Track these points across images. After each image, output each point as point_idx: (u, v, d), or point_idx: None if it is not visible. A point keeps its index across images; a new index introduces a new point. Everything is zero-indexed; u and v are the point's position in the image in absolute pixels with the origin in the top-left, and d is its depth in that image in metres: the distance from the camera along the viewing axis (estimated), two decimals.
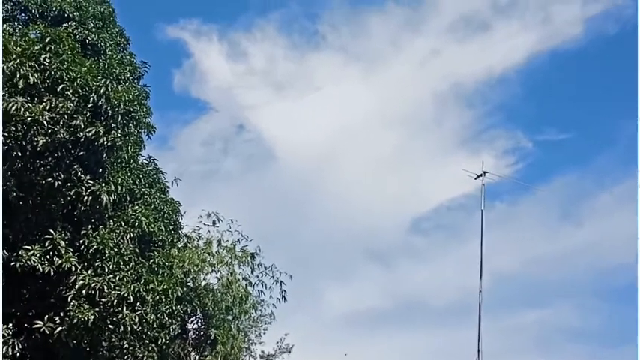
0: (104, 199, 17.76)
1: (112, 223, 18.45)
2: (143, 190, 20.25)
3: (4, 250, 17.27)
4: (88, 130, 17.46)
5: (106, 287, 17.43)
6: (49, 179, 17.55)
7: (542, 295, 42.60)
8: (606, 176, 49.71)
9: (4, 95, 17.02)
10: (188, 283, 22.52)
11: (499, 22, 51.71)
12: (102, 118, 17.96)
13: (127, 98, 18.31)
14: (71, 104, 17.40)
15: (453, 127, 51.80)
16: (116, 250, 18.00)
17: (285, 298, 23.97)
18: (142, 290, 17.97)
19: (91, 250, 17.71)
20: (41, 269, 17.21)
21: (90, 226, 18.14)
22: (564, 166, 50.93)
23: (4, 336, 17.02)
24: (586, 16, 49.00)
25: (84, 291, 17.27)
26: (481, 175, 23.25)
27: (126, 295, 17.60)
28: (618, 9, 49.42)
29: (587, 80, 52.98)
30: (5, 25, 19.56)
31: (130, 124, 18.74)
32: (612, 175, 49.27)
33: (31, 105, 17.15)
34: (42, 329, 17.26)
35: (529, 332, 39.00)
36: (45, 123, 17.06)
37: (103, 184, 17.94)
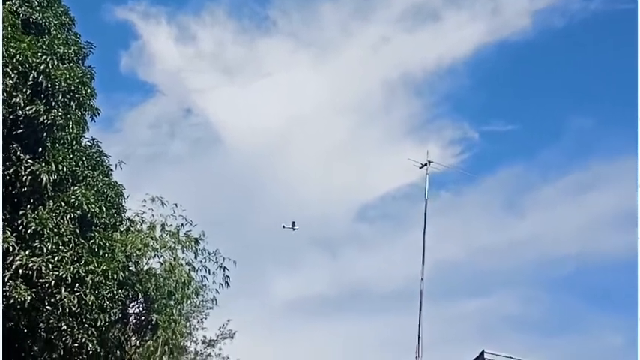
0: (44, 179, 17.44)
1: (51, 204, 18.10)
2: (86, 172, 19.92)
3: None
4: (27, 107, 17.13)
5: (44, 268, 17.13)
6: None
7: (485, 284, 43.29)
8: (550, 169, 50.62)
9: None
10: (130, 267, 22.24)
11: (449, 12, 52.18)
12: (42, 96, 17.62)
13: (68, 77, 17.98)
14: (10, 81, 17.04)
15: (401, 115, 52.20)
16: (55, 230, 17.68)
17: (228, 284, 23.91)
18: (81, 271, 17.72)
19: (29, 231, 17.37)
20: None
21: (29, 206, 17.79)
22: (509, 158, 51.67)
23: None
24: (534, 9, 49.75)
25: (21, 271, 16.96)
26: (426, 165, 23.42)
27: (65, 276, 17.33)
28: (565, 3, 50.32)
29: (534, 73, 53.77)
30: None
31: (72, 104, 18.41)
32: (556, 168, 50.19)
33: None
34: None
35: (471, 320, 39.63)
36: None
37: (43, 164, 17.62)
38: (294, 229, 25.04)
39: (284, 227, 25.10)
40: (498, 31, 51.17)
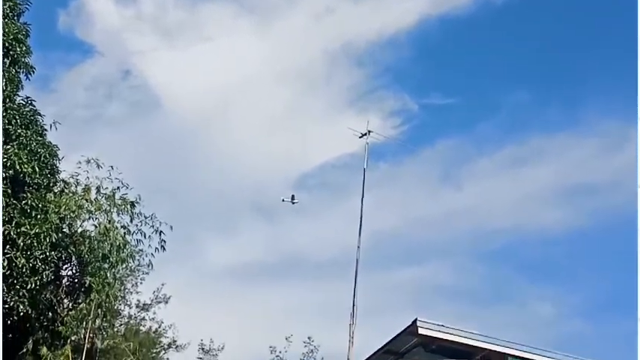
0: None
1: None
2: (19, 130, 19.53)
3: None
4: None
5: None
6: None
7: (420, 254, 43.71)
8: (488, 142, 51.10)
9: None
10: (64, 229, 21.94)
11: None
12: None
13: (2, 32, 17.53)
14: None
15: (342, 85, 52.01)
16: None
17: (164, 248, 23.62)
18: (12, 233, 17.40)
19: None
20: None
21: None
22: (448, 131, 51.87)
23: None
24: None
25: None
26: (366, 134, 23.50)
27: None
28: None
29: (474, 47, 54.10)
30: None
31: (6, 60, 17.96)
32: (493, 141, 50.72)
33: None
34: None
35: (406, 289, 40.02)
36: None
37: None
38: (293, 203, 24.77)
39: (283, 200, 24.79)
40: (441, 5, 51.18)
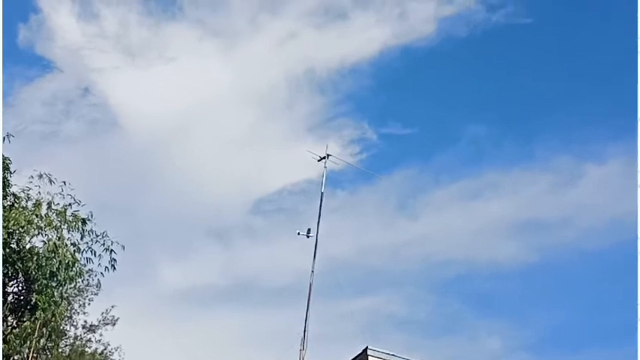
0: None
1: None
2: None
3: None
4: None
5: None
6: None
7: (373, 283, 43.70)
8: (444, 173, 51.61)
9: None
10: (12, 245, 21.44)
11: (357, 12, 52.42)
12: None
13: None
14: None
15: (303, 112, 52.16)
16: None
17: (114, 268, 23.14)
18: None
19: None
20: None
21: None
22: (405, 160, 52.38)
23: None
24: (440, 17, 50.56)
25: None
26: (325, 158, 23.52)
27: None
28: (470, 13, 51.34)
29: (435, 79, 54.73)
30: None
31: None
32: (449, 173, 51.26)
33: None
34: None
35: (357, 318, 39.83)
36: None
37: None
38: (308, 237, 24.45)
39: (299, 234, 24.43)
40: (403, 36, 51.75)
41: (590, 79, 53.81)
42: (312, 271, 21.07)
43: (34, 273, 21.45)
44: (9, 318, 21.73)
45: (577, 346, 45.42)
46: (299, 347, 19.58)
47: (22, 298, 22.16)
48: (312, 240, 22.80)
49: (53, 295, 21.89)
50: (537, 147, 51.68)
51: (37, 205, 22.59)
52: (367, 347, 16.94)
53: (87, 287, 26.57)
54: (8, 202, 21.58)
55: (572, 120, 51.73)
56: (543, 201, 50.31)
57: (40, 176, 22.72)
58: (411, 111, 53.76)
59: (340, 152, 28.10)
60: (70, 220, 22.82)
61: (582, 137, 51.42)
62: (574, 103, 52.70)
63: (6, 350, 20.83)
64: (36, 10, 52.15)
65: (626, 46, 52.40)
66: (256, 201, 48.93)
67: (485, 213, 48.73)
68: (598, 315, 46.06)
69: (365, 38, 50.88)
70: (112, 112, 52.04)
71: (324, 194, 23.56)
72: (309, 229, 24.44)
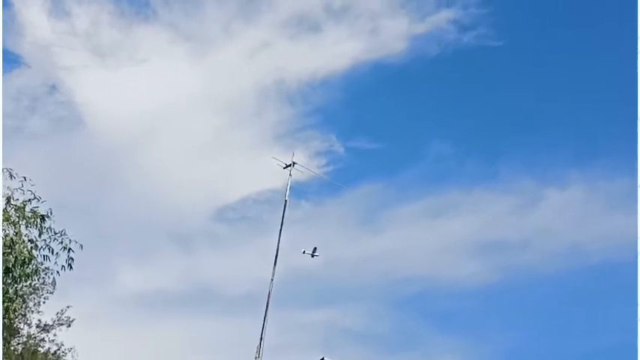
0: None
1: None
2: None
3: None
4: None
5: None
6: None
7: (333, 295, 43.65)
8: (408, 190, 51.78)
9: None
10: None
11: (330, 26, 52.59)
12: None
13: None
14: None
15: (271, 121, 52.07)
16: None
17: (71, 267, 22.79)
18: None
19: None
20: None
21: None
22: (371, 175, 52.43)
23: None
24: (411, 34, 50.87)
25: None
26: (290, 165, 23.48)
27: None
28: (442, 32, 51.70)
29: (404, 96, 55.05)
30: None
31: None
32: (414, 189, 51.45)
33: None
34: None
35: (315, 330, 39.84)
36: None
37: None
38: (313, 256, 24.21)
39: (304, 252, 24.12)
40: (375, 51, 51.96)
41: (555, 103, 54.48)
42: (272, 280, 20.97)
43: None
44: None
45: None
46: (254, 355, 19.46)
47: None
48: (273, 249, 22.71)
49: (7, 292, 21.50)
50: (501, 168, 52.22)
51: None
52: (323, 358, 16.87)
53: (42, 286, 26.19)
54: None
55: (536, 143, 52.31)
56: (504, 222, 50.73)
57: (2, 171, 22.39)
58: (379, 126, 54.03)
59: (307, 163, 28.11)
60: (29, 216, 22.43)
61: (545, 161, 52.07)
62: (539, 127, 53.33)
63: None
64: (7, 4, 51.56)
65: (590, 74, 53.20)
66: (220, 208, 48.74)
67: (448, 231, 49.01)
68: (554, 338, 46.45)
69: (337, 52, 51.10)
70: (79, 110, 51.57)
71: (289, 204, 23.50)
72: (315, 248, 24.37)
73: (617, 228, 49.17)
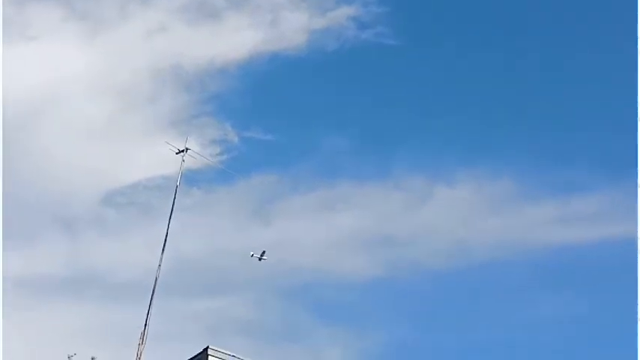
0: None
1: None
2: None
3: None
4: None
5: None
6: None
7: (220, 285, 43.65)
8: (301, 182, 52.15)
9: None
10: None
11: (230, 13, 52.35)
12: None
13: None
14: None
15: (165, 107, 51.45)
16: None
17: None
18: None
19: None
20: None
21: None
22: (265, 166, 52.60)
23: None
24: (311, 28, 51.23)
25: None
26: (183, 151, 23.32)
27: None
28: (341, 28, 52.30)
29: (301, 88, 55.40)
30: None
31: None
32: (307, 182, 51.89)
33: None
34: None
35: (201, 319, 39.70)
36: None
37: None
38: (260, 259, 23.73)
39: (252, 255, 23.60)
40: (274, 42, 52.08)
41: (447, 104, 55.97)
42: (159, 266, 20.80)
43: None
44: None
45: None
46: (138, 342, 19.29)
47: None
48: (162, 236, 22.53)
49: None
50: (393, 165, 53.21)
51: None
52: (208, 347, 16.91)
53: None
54: None
55: (428, 142, 53.61)
56: (394, 218, 51.77)
57: None
58: (275, 117, 54.23)
59: (200, 151, 28.00)
60: None
61: (435, 160, 53.37)
62: (431, 126, 54.65)
63: None
64: None
65: (482, 75, 54.90)
66: (109, 193, 47.84)
67: (338, 225, 49.63)
68: (434, 333, 47.79)
69: (236, 40, 50.94)
70: None
71: (180, 191, 23.33)
72: (263, 252, 24.27)
73: (499, 227, 51.08)
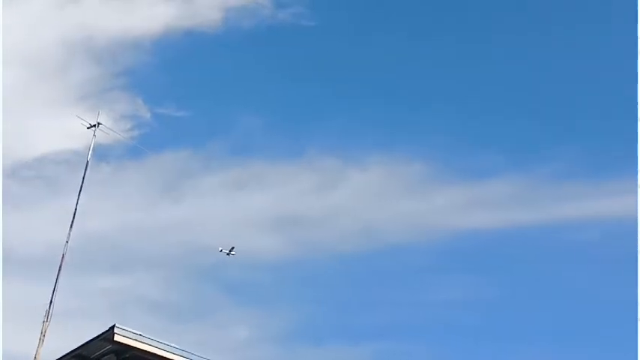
0: None
1: None
2: None
3: None
4: None
5: None
6: None
7: (128, 262, 43.06)
8: (214, 160, 51.85)
9: None
10: None
11: None
12: None
13: None
14: None
15: (76, 79, 50.15)
16: None
17: None
18: None
19: None
20: None
21: None
22: (177, 143, 51.97)
23: None
24: (227, 6, 50.75)
25: None
26: (95, 126, 22.91)
27: None
28: (258, 7, 52.03)
29: (215, 66, 54.92)
30: None
31: None
32: (219, 160, 51.61)
33: None
34: None
35: (108, 296, 39.07)
36: None
37: None
38: (228, 254, 23.15)
39: (221, 250, 23.00)
40: (188, 19, 51.35)
41: (362, 86, 56.37)
42: (67, 242, 20.41)
43: None
44: None
45: (319, 341, 47.51)
46: (43, 320, 18.91)
47: None
48: (70, 211, 22.09)
49: None
50: (307, 145, 53.44)
51: None
52: (114, 325, 16.69)
53: None
54: None
55: (343, 123, 53.95)
56: (306, 199, 52.04)
57: None
58: (188, 94, 53.64)
59: (111, 126, 27.50)
60: None
61: (350, 142, 53.82)
62: (346, 108, 54.99)
63: None
64: None
65: (397, 58, 55.50)
66: (14, 165, 46.49)
67: (249, 204, 49.57)
68: (340, 314, 48.38)
69: (149, 14, 50.02)
70: None
71: (89, 166, 22.87)
72: (232, 247, 24.04)
73: (410, 211, 51.97)
